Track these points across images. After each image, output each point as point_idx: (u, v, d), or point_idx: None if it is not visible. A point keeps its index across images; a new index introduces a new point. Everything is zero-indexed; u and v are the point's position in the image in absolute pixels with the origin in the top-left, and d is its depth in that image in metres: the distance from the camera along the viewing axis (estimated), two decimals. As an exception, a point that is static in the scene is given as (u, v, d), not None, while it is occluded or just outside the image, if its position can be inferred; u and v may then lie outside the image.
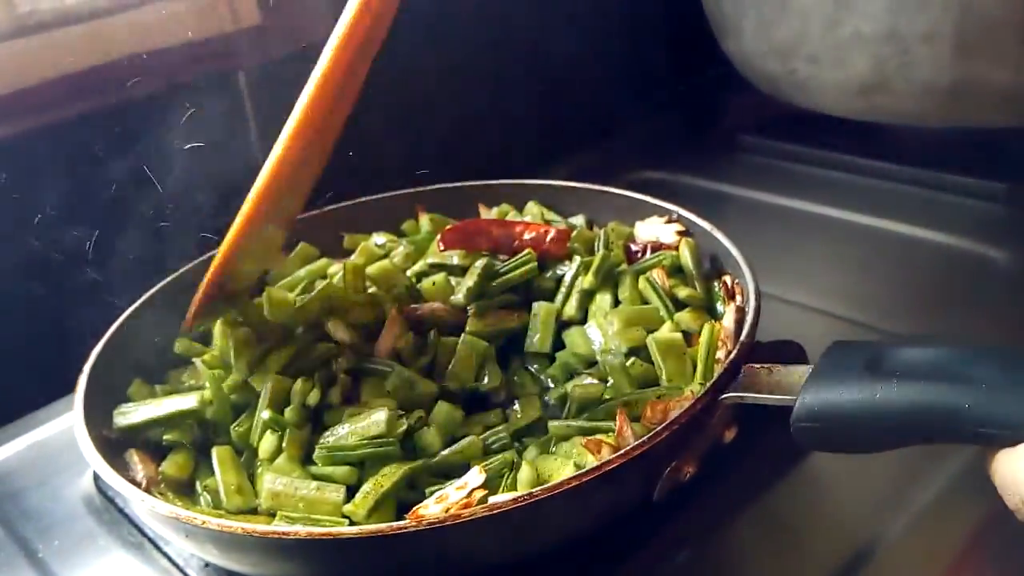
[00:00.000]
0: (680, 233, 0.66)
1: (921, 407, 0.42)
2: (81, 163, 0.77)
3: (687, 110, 1.20)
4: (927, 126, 0.96)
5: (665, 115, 1.17)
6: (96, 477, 0.64)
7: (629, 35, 1.16)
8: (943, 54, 0.84)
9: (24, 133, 0.74)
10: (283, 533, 0.44)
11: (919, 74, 0.87)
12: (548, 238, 0.66)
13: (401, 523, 0.43)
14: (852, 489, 0.57)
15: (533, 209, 0.75)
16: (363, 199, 0.77)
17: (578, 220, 0.73)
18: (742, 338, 0.51)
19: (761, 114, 1.12)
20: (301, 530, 0.44)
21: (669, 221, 0.69)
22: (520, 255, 0.64)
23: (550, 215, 0.75)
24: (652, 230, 0.68)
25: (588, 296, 0.62)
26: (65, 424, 0.71)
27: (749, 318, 0.53)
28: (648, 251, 0.66)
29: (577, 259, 0.64)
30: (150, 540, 0.58)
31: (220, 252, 0.57)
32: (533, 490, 0.44)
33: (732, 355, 0.50)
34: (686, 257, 0.63)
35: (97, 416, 0.56)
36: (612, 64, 1.14)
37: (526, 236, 0.66)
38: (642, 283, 0.62)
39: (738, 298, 0.58)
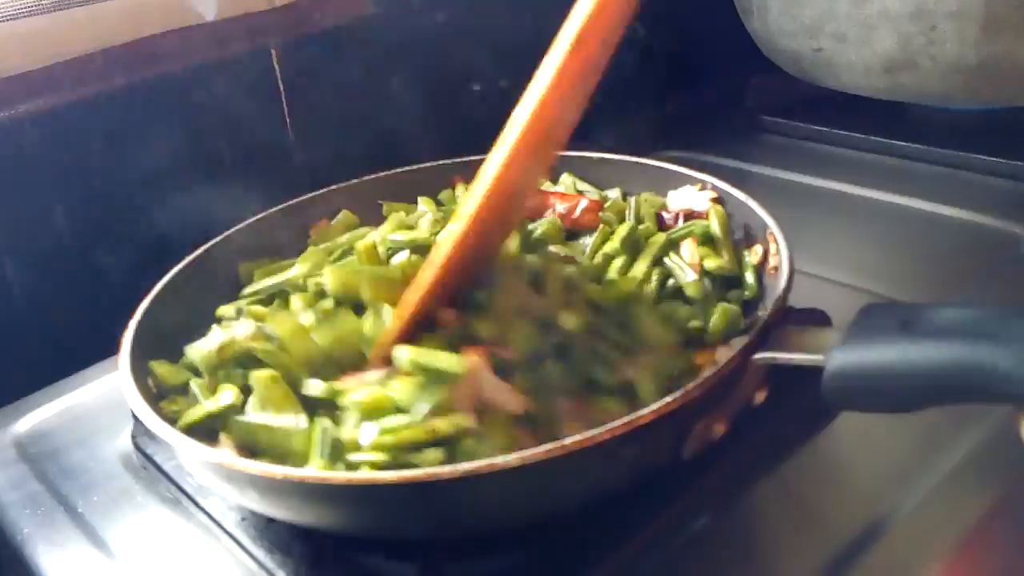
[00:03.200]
0: (713, 200, 0.67)
1: (955, 366, 0.42)
2: (118, 136, 0.79)
3: (710, 91, 1.20)
4: (952, 106, 0.96)
5: (688, 96, 1.18)
6: (134, 436, 0.65)
7: (651, 15, 1.16)
8: (970, 32, 0.85)
9: (61, 105, 0.76)
10: (323, 479, 0.45)
11: (946, 52, 0.87)
12: (579, 208, 0.67)
13: (412, 473, 0.43)
14: (876, 454, 0.58)
15: (567, 180, 0.76)
16: (402, 169, 0.78)
17: (613, 193, 0.74)
18: (775, 302, 0.52)
19: (784, 95, 1.12)
20: (339, 476, 0.45)
21: (703, 189, 0.70)
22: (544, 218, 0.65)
23: (583, 186, 0.75)
24: (685, 199, 0.69)
25: (608, 260, 0.64)
26: (104, 387, 0.72)
27: (783, 282, 0.54)
28: (680, 219, 0.67)
29: (602, 227, 0.65)
30: (187, 495, 0.60)
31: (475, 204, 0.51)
32: (565, 441, 0.45)
33: (766, 317, 0.51)
34: (715, 225, 0.64)
35: (140, 371, 0.57)
36: (634, 45, 1.15)
37: (559, 207, 0.67)
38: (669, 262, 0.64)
39: (771, 260, 0.59)
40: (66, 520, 0.60)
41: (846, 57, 0.94)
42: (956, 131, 0.97)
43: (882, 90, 0.96)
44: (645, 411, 0.45)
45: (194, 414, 0.54)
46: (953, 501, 0.54)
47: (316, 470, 0.47)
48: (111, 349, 0.58)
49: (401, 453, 0.48)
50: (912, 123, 1.01)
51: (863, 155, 1.00)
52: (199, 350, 0.57)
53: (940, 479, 0.55)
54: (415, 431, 0.48)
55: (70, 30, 0.76)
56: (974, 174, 0.91)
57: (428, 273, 0.54)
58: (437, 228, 0.70)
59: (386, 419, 0.49)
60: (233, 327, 0.58)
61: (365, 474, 0.46)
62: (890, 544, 0.51)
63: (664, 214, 0.69)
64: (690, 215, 0.68)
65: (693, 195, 0.68)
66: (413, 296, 0.54)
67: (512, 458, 0.44)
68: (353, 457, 0.49)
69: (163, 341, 0.61)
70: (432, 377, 0.50)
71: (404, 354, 0.50)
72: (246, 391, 0.55)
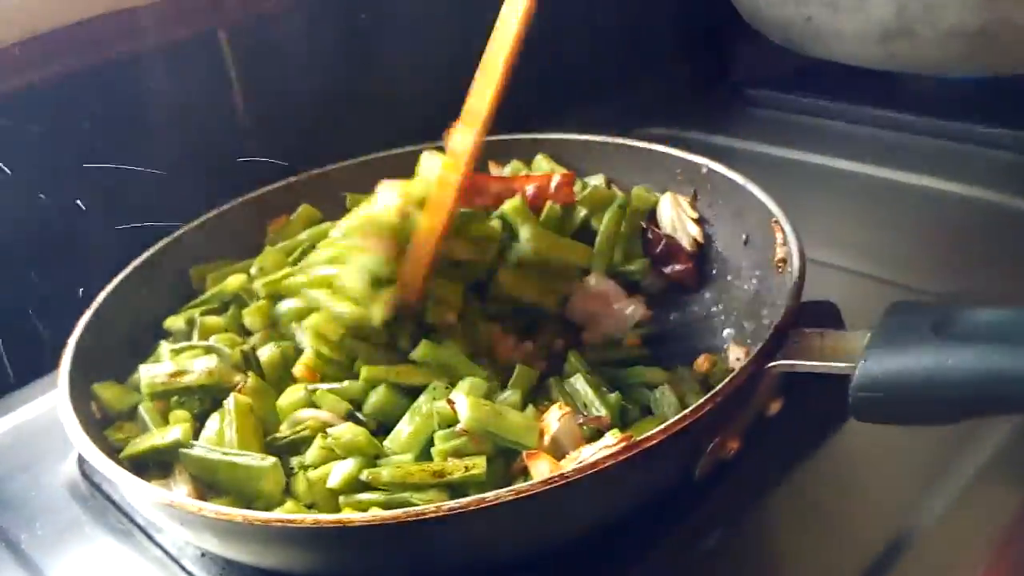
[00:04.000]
0: (696, 243, 0.63)
1: (997, 375, 0.38)
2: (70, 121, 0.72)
3: (693, 63, 1.15)
4: (951, 75, 0.92)
5: (670, 69, 1.12)
6: (81, 461, 0.59)
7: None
8: (971, -4, 0.80)
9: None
10: (288, 521, 0.40)
11: (945, 18, 0.82)
12: (552, 185, 0.61)
13: (392, 514, 0.39)
14: (895, 457, 0.54)
15: (543, 164, 0.70)
16: (366, 157, 0.72)
17: (597, 180, 0.68)
18: (788, 302, 0.47)
19: (771, 66, 1.07)
20: (307, 518, 0.40)
21: (694, 201, 0.65)
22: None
23: (560, 170, 0.69)
24: (675, 219, 0.64)
25: None
26: (48, 404, 0.66)
27: (794, 281, 0.49)
28: (662, 244, 0.62)
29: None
30: (140, 528, 0.54)
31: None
32: (565, 470, 0.40)
33: (779, 320, 0.46)
34: None
35: (82, 394, 0.52)
36: (613, 15, 1.09)
37: (528, 189, 0.62)
38: None
39: (778, 251, 0.54)
40: (6, 556, 0.54)
41: (838, 26, 0.89)
42: (954, 101, 0.93)
43: (876, 60, 0.91)
44: (653, 432, 0.40)
45: (139, 445, 0.48)
46: (983, 504, 0.49)
47: (281, 513, 0.42)
48: (55, 362, 0.53)
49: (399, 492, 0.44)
50: (907, 93, 0.96)
51: (856, 128, 0.95)
52: (148, 376, 0.52)
53: (967, 481, 0.51)
54: (422, 474, 0.45)
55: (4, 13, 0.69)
56: (975, 146, 0.87)
57: (438, 216, 0.54)
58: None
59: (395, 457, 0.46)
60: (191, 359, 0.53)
61: (336, 516, 0.41)
62: (919, 556, 0.47)
63: (651, 230, 0.64)
64: (676, 247, 0.63)
65: (684, 218, 0.64)
66: (428, 239, 0.54)
67: (503, 493, 0.38)
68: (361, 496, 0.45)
69: (109, 357, 0.56)
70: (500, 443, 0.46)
71: (464, 409, 0.46)
72: (201, 417, 0.49)
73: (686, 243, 0.63)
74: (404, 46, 0.91)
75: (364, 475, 0.44)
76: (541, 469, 0.44)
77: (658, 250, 0.63)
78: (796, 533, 0.50)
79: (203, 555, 0.51)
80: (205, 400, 0.51)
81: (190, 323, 0.57)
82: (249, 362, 0.54)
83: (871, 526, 0.49)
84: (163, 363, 0.53)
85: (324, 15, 0.86)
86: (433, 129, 0.70)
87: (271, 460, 0.47)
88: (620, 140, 0.69)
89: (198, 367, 0.51)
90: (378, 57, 0.90)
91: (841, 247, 0.73)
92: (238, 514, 0.40)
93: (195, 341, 0.56)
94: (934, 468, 0.52)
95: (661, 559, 0.47)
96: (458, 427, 0.46)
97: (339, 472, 0.45)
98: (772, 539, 0.51)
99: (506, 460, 0.46)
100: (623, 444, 0.40)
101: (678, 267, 0.62)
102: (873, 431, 0.54)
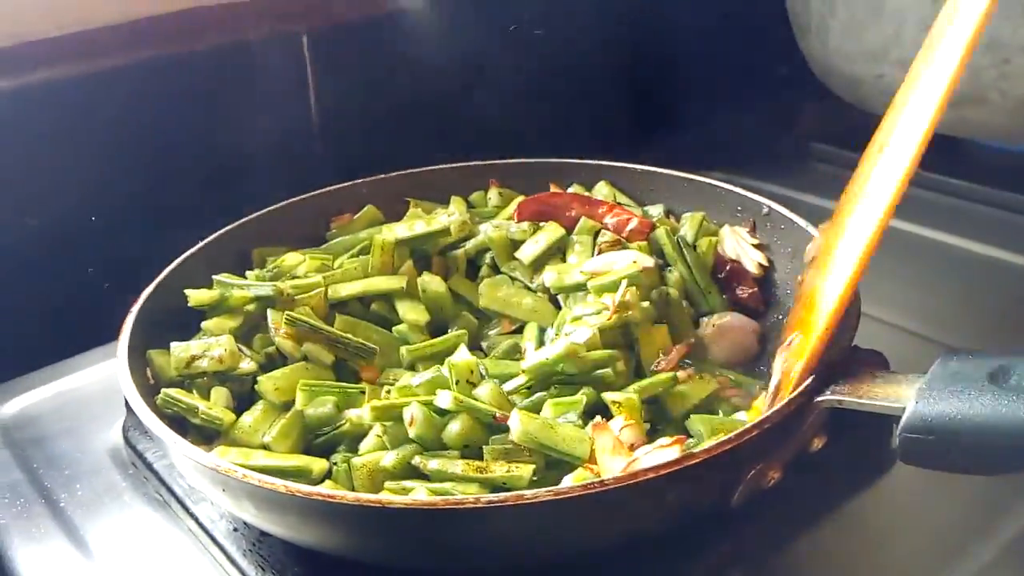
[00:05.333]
0: (761, 267, 0.63)
1: (1053, 426, 0.37)
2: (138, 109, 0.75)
3: (759, 113, 1.15)
4: (1016, 145, 0.91)
5: (737, 117, 1.13)
6: (126, 429, 0.61)
7: (698, 30, 1.12)
8: (1047, 69, 0.80)
9: (79, 76, 0.72)
10: (330, 496, 0.40)
11: (1018, 87, 0.82)
12: (629, 227, 0.62)
13: (431, 500, 0.40)
14: (928, 516, 0.53)
15: (604, 190, 0.71)
16: (437, 167, 0.74)
17: (656, 210, 0.69)
18: (841, 341, 0.47)
19: (836, 122, 1.07)
20: (349, 495, 0.41)
21: (752, 231, 0.66)
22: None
23: (621, 198, 0.70)
24: (736, 246, 0.64)
25: None
26: (100, 374, 0.68)
27: (852, 321, 0.49)
28: (728, 268, 0.63)
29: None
30: (177, 498, 0.55)
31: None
32: (605, 478, 0.40)
33: (831, 357, 0.46)
34: None
35: (139, 358, 0.53)
36: (678, 63, 1.10)
37: (608, 219, 0.63)
38: None
39: None
40: (45, 513, 0.56)
41: (909, 86, 0.89)
42: (1016, 173, 0.92)
43: (945, 124, 0.89)
44: (696, 450, 0.41)
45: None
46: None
47: (325, 488, 0.43)
48: (112, 334, 0.54)
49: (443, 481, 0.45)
50: (970, 161, 0.96)
51: (916, 191, 0.94)
52: (174, 358, 0.54)
53: (998, 552, 0.50)
54: (467, 467, 0.45)
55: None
56: (1034, 219, 0.86)
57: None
58: (464, 229, 0.65)
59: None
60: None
61: (376, 496, 0.41)
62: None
63: (721, 253, 0.65)
64: (739, 272, 0.64)
65: (745, 246, 0.64)
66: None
67: (541, 493, 0.39)
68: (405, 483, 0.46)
69: (168, 327, 0.57)
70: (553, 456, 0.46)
71: (516, 423, 0.46)
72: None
73: (751, 267, 0.64)
74: (463, 67, 0.93)
75: (415, 460, 0.45)
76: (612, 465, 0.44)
77: (722, 275, 0.64)
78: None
79: (235, 530, 0.52)
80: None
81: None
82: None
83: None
84: (187, 344, 0.54)
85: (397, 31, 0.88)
86: (486, 145, 0.72)
87: (320, 463, 0.48)
88: (683, 174, 0.70)
89: (209, 353, 0.53)
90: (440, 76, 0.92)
91: (893, 304, 0.72)
92: (282, 485, 0.40)
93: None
94: (966, 532, 0.51)
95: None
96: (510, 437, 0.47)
97: (392, 455, 0.46)
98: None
99: (560, 472, 0.46)
100: (668, 458, 0.40)
101: (747, 289, 0.63)
102: (914, 483, 0.54)
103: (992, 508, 0.52)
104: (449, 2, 0.91)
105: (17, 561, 0.52)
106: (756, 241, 0.65)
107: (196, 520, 0.53)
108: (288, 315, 0.55)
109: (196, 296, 0.57)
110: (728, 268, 0.64)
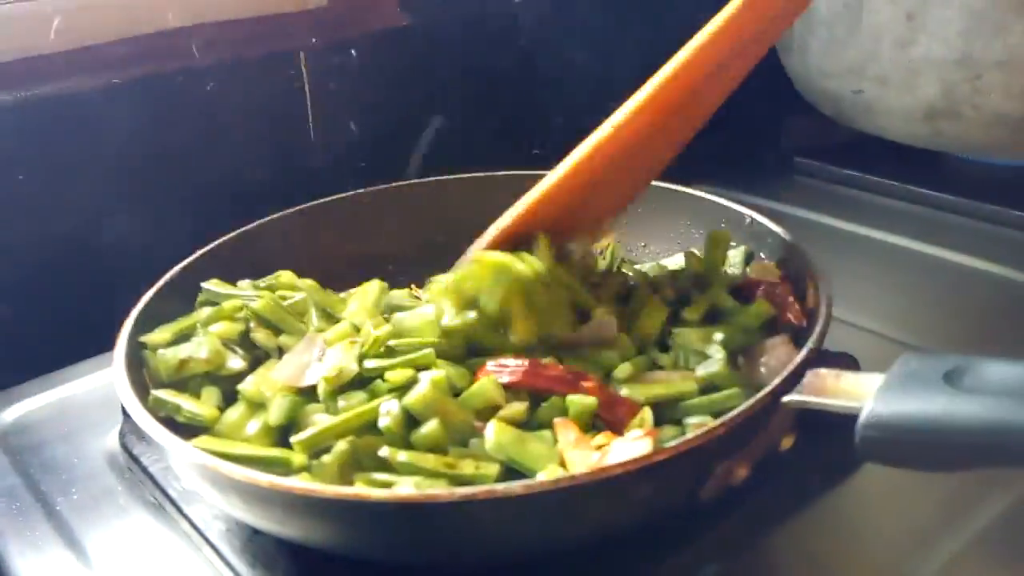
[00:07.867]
0: (784, 278, 0.62)
1: (1005, 427, 0.39)
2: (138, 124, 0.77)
3: (743, 128, 1.17)
4: (992, 159, 0.94)
5: (719, 132, 1.15)
6: (122, 435, 0.62)
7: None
8: (1017, 83, 0.82)
9: (78, 91, 0.74)
10: (309, 491, 0.42)
11: (990, 103, 0.85)
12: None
13: (418, 494, 0.41)
14: (898, 512, 0.55)
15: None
16: (426, 179, 0.77)
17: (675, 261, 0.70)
18: (809, 344, 0.49)
19: (819, 137, 1.09)
20: (329, 488, 0.42)
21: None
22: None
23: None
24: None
25: None
26: (97, 383, 0.70)
27: (820, 324, 0.51)
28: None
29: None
30: (172, 501, 0.57)
31: (531, 199, 0.58)
32: (574, 473, 0.42)
33: (798, 359, 0.48)
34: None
35: (136, 360, 0.55)
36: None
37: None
38: None
39: (809, 300, 0.56)
40: (42, 518, 0.57)
41: (887, 102, 0.92)
42: (992, 184, 0.94)
43: (921, 138, 0.93)
44: (664, 447, 0.42)
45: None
46: (977, 571, 0.50)
47: (303, 481, 0.44)
48: (107, 344, 0.56)
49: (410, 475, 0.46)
50: (948, 173, 0.98)
51: (896, 203, 0.97)
52: (163, 360, 0.55)
53: (964, 545, 0.52)
54: (436, 462, 0.47)
55: (101, 15, 0.74)
56: (1009, 229, 0.88)
57: (534, 194, 0.58)
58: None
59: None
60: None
61: (354, 489, 0.43)
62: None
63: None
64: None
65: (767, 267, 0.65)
66: (513, 213, 0.58)
67: (514, 487, 0.41)
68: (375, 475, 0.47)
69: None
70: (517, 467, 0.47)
71: (491, 435, 0.47)
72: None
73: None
74: (462, 81, 0.95)
75: (384, 451, 0.47)
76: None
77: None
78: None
79: (228, 529, 0.54)
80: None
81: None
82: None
83: None
84: (176, 348, 0.56)
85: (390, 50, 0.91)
86: (489, 157, 0.74)
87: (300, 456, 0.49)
88: (667, 184, 0.72)
89: (196, 354, 0.55)
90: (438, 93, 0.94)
91: (868, 311, 0.74)
92: (265, 480, 0.42)
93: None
94: (935, 527, 0.53)
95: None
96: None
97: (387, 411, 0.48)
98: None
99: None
100: (638, 453, 0.42)
101: None
102: (881, 484, 0.57)
103: (962, 501, 0.54)
104: (449, 20, 0.94)
105: (14, 566, 0.53)
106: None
107: (190, 522, 0.55)
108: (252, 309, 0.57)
109: (152, 338, 0.58)
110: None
